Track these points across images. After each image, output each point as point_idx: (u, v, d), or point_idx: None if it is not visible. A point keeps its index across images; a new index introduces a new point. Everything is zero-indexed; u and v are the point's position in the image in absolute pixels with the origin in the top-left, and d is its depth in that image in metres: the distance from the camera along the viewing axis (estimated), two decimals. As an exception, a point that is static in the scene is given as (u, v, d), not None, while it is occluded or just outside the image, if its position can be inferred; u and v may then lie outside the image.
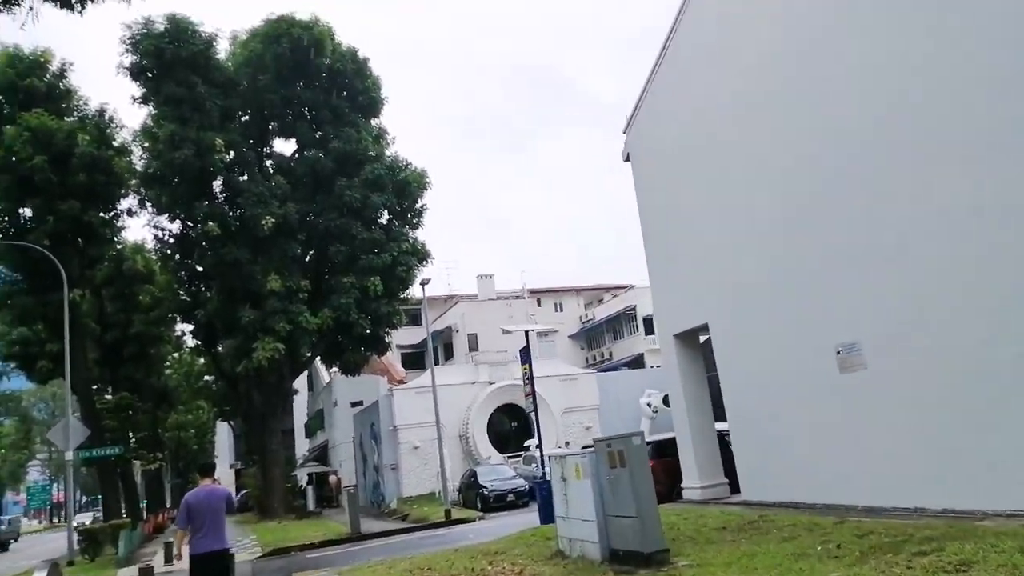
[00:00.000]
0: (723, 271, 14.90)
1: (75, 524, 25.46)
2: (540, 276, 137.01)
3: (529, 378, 17.41)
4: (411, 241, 35.41)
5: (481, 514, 23.51)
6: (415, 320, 53.94)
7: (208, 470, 9.56)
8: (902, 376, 10.71)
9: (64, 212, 28.90)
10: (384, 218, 35.60)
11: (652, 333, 55.44)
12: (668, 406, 35.00)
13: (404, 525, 23.81)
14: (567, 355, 54.44)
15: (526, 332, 18.45)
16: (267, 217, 31.23)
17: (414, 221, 36.35)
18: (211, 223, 31.36)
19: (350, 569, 13.78)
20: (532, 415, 17.34)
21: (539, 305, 59.94)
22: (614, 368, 50.03)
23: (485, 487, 25.36)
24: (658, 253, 17.72)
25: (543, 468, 17.28)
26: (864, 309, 11.34)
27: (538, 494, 15.83)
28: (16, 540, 50.31)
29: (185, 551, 8.44)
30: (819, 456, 12.44)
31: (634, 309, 55.68)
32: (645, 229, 18.07)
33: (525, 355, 18.00)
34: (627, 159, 18.58)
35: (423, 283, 27.10)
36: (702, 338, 17.11)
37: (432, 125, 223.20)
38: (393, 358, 52.07)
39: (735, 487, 15.49)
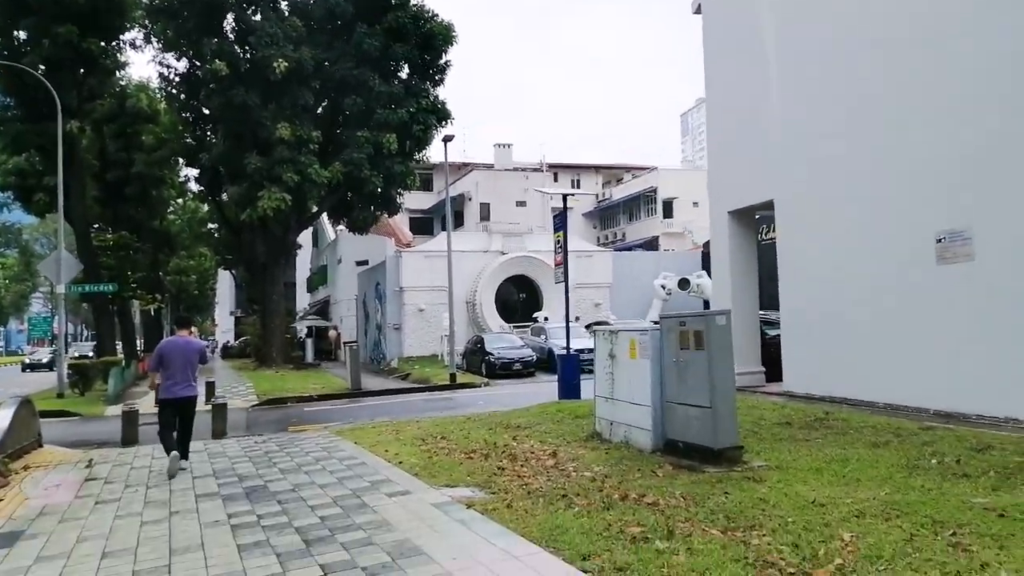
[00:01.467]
0: (801, 142, 13.02)
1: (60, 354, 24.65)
2: (558, 153, 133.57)
3: (562, 246, 15.78)
4: (431, 99, 33.07)
5: (486, 380, 22.58)
6: (426, 185, 52.22)
7: (184, 322, 9.47)
8: (1017, 269, 9.16)
9: (61, 36, 26.42)
10: (404, 72, 33.22)
11: (670, 216, 53.88)
12: (683, 289, 34.41)
13: (406, 385, 22.95)
14: (579, 233, 52.86)
15: (564, 196, 16.50)
16: (279, 60, 28.85)
17: (436, 78, 33.84)
18: (219, 61, 29.07)
19: (352, 427, 12.71)
20: (562, 285, 15.91)
21: (556, 180, 57.71)
22: (628, 249, 48.58)
23: (492, 354, 24.33)
24: (722, 120, 15.64)
25: (567, 340, 15.93)
26: (976, 194, 9.65)
27: (560, 367, 14.60)
28: None
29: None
30: (887, 353, 11.07)
31: (655, 191, 53.75)
32: (710, 93, 15.91)
33: (560, 221, 16.21)
34: (698, 10, 16.27)
35: (446, 140, 24.82)
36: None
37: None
38: (401, 222, 50.58)
39: (770, 376, 14.35)
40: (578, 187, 60.98)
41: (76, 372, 23.61)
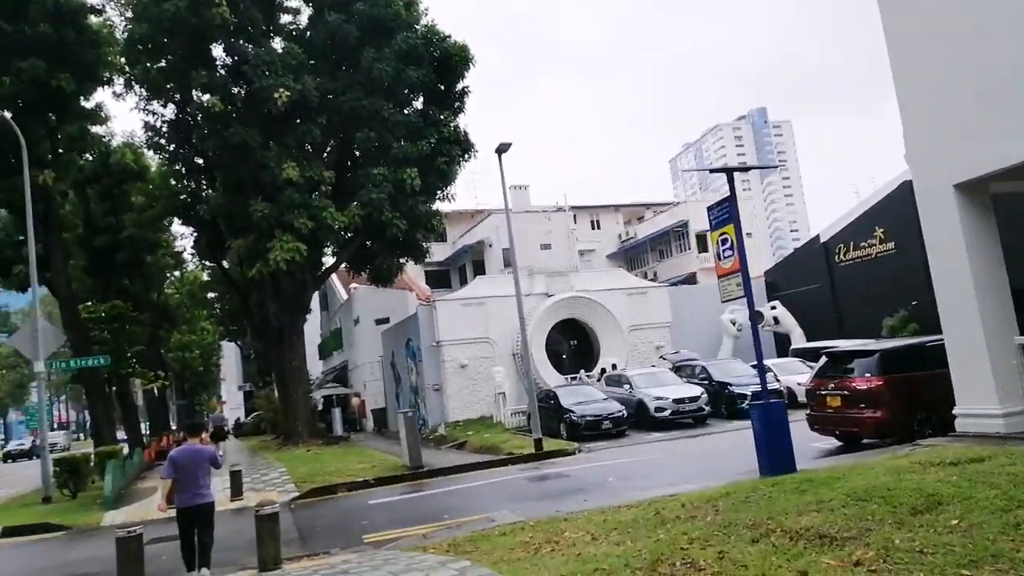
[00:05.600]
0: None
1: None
2: (571, 195, 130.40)
3: (734, 247, 11.11)
4: (452, 128, 29.47)
5: (577, 446, 17.98)
6: (440, 235, 48.60)
7: (196, 429, 9.61)
8: None
9: (25, 72, 22.64)
10: (419, 101, 29.76)
11: (705, 251, 50.07)
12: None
13: (477, 458, 18.25)
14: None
15: (730, 170, 11.85)
16: (280, 90, 25.27)
17: (455, 106, 30.29)
18: (211, 96, 25.69)
19: (469, 536, 8.49)
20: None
21: (575, 222, 54.02)
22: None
23: (572, 411, 19.90)
24: (925, 64, 11.38)
25: (762, 382, 10.76)
26: None
27: (758, 423, 10.05)
28: None
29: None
30: None
31: (686, 225, 50.21)
32: (894, 37, 11.77)
33: (725, 212, 11.48)
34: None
35: (499, 150, 20.27)
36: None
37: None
38: (416, 275, 46.70)
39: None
40: (598, 228, 57.46)
41: (65, 468, 19.20)
